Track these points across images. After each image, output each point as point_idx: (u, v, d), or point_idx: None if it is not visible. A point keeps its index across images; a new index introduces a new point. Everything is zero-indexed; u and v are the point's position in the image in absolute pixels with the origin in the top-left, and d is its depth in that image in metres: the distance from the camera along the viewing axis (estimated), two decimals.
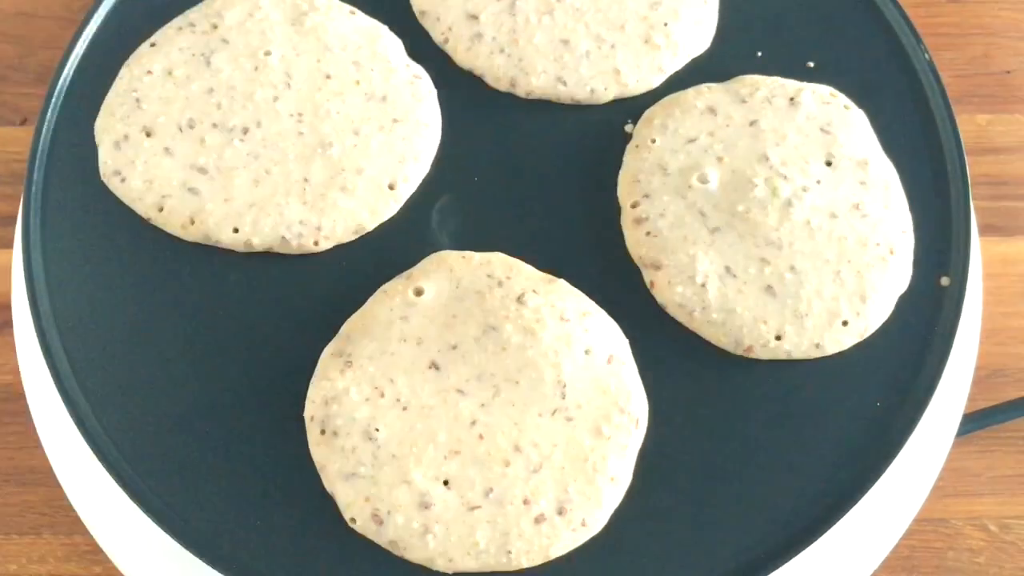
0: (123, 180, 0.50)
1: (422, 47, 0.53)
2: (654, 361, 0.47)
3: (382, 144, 0.50)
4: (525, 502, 0.44)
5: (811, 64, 0.54)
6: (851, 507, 0.45)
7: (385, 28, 0.54)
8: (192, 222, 0.49)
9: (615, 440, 0.45)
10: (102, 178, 0.50)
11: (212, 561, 0.44)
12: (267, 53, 0.52)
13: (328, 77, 0.52)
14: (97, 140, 0.51)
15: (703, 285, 0.48)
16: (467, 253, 0.48)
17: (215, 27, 0.52)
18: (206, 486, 0.45)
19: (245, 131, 0.50)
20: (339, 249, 0.49)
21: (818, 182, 0.49)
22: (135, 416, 0.46)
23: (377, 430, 0.45)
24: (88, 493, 0.50)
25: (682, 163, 0.50)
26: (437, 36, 0.54)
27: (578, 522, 0.44)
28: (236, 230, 0.49)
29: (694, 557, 0.45)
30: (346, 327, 0.47)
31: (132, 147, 0.50)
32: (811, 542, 0.45)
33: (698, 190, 0.49)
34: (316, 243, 0.49)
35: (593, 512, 0.44)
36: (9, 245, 0.58)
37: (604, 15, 0.53)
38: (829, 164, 0.50)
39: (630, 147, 0.51)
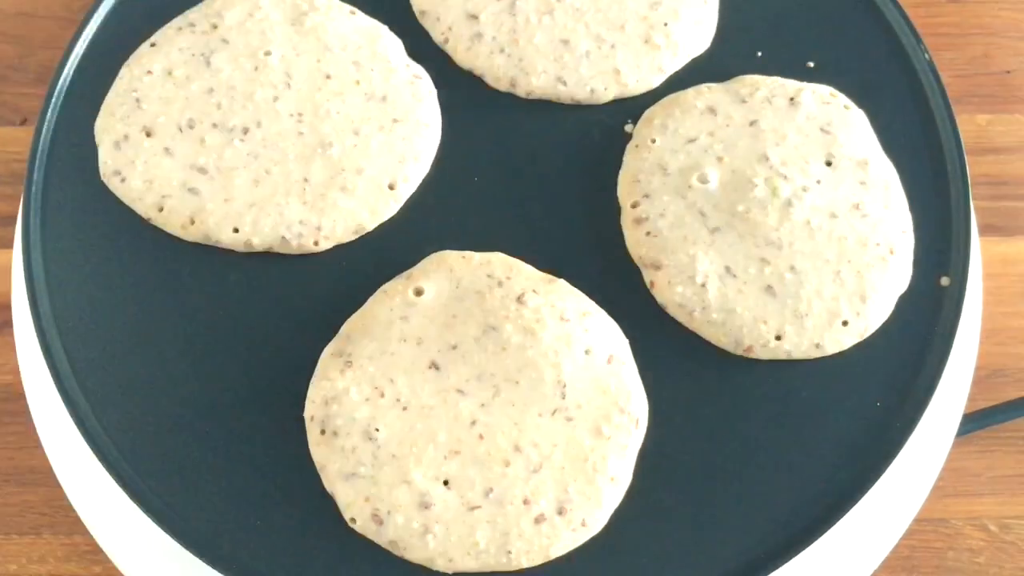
0: (123, 180, 0.50)
1: (422, 47, 0.53)
2: (654, 361, 0.47)
3: (382, 144, 0.50)
4: (525, 502, 0.44)
5: (811, 64, 0.54)
6: (851, 507, 0.45)
7: (385, 28, 0.54)
8: (192, 222, 0.49)
9: (615, 440, 0.45)
10: (102, 178, 0.50)
11: (212, 561, 0.44)
12: (267, 53, 0.52)
13: (328, 77, 0.52)
14: (97, 140, 0.51)
15: (703, 285, 0.48)
16: (467, 253, 0.48)
17: (215, 27, 0.52)
18: (206, 486, 0.45)
19: (245, 131, 0.50)
20: (339, 249, 0.49)
21: (818, 182, 0.49)
22: (135, 416, 0.46)
23: (377, 430, 0.45)
24: (88, 493, 0.50)
25: (682, 163, 0.50)
26: (437, 36, 0.54)
27: (578, 522, 0.44)
28: (236, 230, 0.49)
29: (694, 557, 0.45)
30: (346, 327, 0.47)
31: (132, 147, 0.50)
32: (811, 542, 0.45)
33: (698, 190, 0.49)
34: (316, 243, 0.49)
35: (593, 512, 0.44)
36: (9, 245, 0.58)
37: (604, 15, 0.53)
38: (829, 164, 0.50)
39: (630, 147, 0.51)
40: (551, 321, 0.46)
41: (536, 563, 0.44)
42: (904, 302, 0.48)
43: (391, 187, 0.50)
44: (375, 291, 0.48)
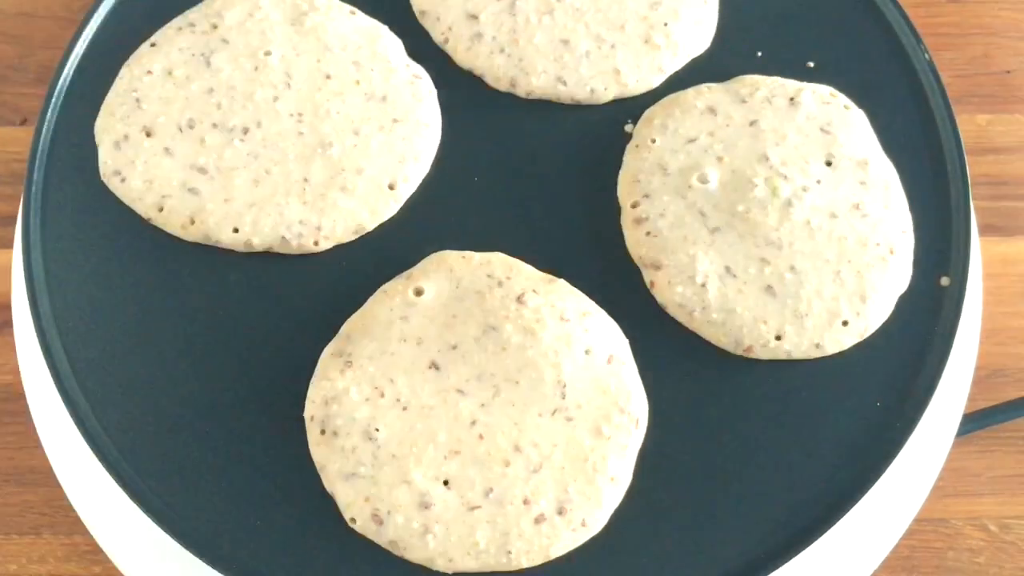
0: (123, 180, 0.50)
1: (422, 47, 0.53)
2: (654, 361, 0.47)
3: (382, 144, 0.50)
4: (525, 502, 0.44)
5: (811, 64, 0.54)
6: (851, 507, 0.45)
7: (385, 28, 0.54)
8: (192, 222, 0.49)
9: (615, 440, 0.45)
10: (102, 178, 0.50)
11: (212, 561, 0.44)
12: (267, 53, 0.52)
13: (328, 77, 0.52)
14: (97, 140, 0.51)
15: (703, 285, 0.48)
16: (467, 253, 0.48)
17: (215, 27, 0.52)
18: (206, 486, 0.45)
19: (245, 131, 0.50)
20: (339, 249, 0.49)
21: (818, 182, 0.49)
22: (135, 416, 0.46)
23: (377, 430, 0.45)
24: (88, 493, 0.50)
25: (682, 163, 0.50)
26: (437, 36, 0.54)
27: (578, 522, 0.44)
28: (236, 230, 0.49)
29: (694, 557, 0.45)
30: (346, 327, 0.47)
31: (132, 147, 0.50)
32: (811, 542, 0.45)
33: (698, 190, 0.49)
34: (316, 243, 0.49)
35: (593, 512, 0.44)
36: (9, 245, 0.58)
37: (604, 15, 0.53)
38: (829, 164, 0.50)
39: (630, 147, 0.51)
40: (551, 321, 0.46)
41: (536, 563, 0.44)
42: (904, 302, 0.48)
43: (391, 187, 0.50)
44: (375, 291, 0.48)
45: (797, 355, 0.47)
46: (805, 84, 0.52)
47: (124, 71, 0.52)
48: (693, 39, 0.53)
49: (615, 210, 0.50)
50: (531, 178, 0.51)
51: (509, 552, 0.43)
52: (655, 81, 0.53)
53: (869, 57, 0.54)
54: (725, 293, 0.48)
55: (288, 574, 0.44)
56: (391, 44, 0.53)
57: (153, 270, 0.49)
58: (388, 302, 0.47)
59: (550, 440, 0.45)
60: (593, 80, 0.52)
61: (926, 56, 0.54)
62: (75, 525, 0.53)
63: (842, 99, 0.52)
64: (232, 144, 0.50)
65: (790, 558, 0.45)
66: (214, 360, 0.47)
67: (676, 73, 0.53)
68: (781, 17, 0.55)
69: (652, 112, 0.52)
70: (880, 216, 0.49)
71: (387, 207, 0.50)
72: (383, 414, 0.45)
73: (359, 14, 0.54)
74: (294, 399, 0.46)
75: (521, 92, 0.52)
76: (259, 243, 0.49)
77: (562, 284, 0.48)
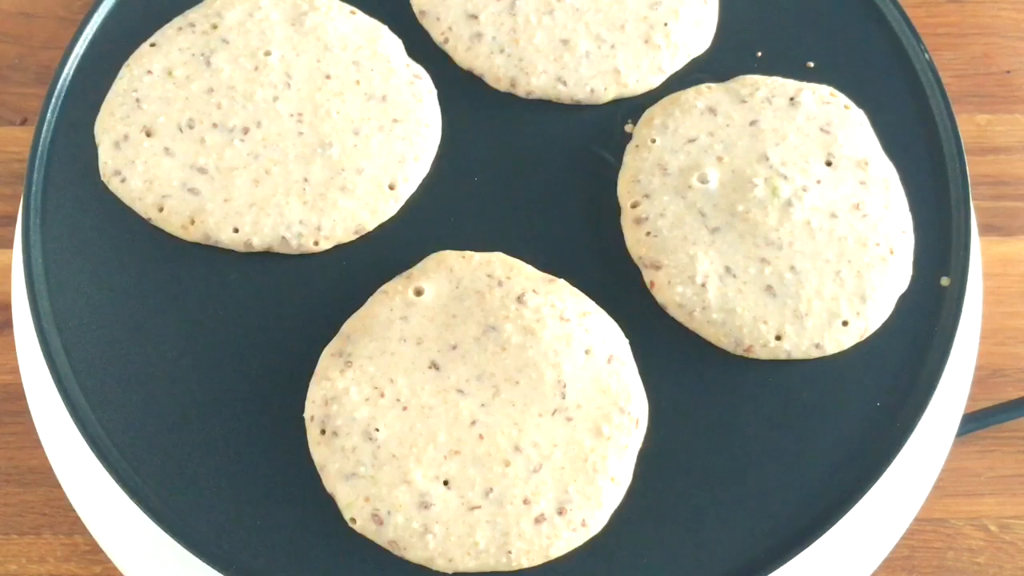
0: (123, 180, 0.50)
1: (422, 47, 0.53)
2: (654, 361, 0.47)
3: (382, 144, 0.50)
4: (525, 502, 0.44)
5: (811, 64, 0.54)
6: (851, 507, 0.45)
7: (385, 28, 0.54)
8: (192, 222, 0.49)
9: (615, 440, 0.45)
10: (102, 178, 0.50)
11: (212, 561, 0.44)
12: (267, 53, 0.52)
13: (328, 77, 0.52)
14: (97, 140, 0.51)
15: (703, 285, 0.48)
16: (467, 253, 0.48)
17: (215, 27, 0.52)
18: (206, 486, 0.45)
19: (245, 131, 0.50)
20: (339, 249, 0.49)
21: (818, 182, 0.49)
22: (135, 416, 0.46)
23: (377, 430, 0.45)
24: (88, 493, 0.50)
25: (682, 163, 0.50)
26: (437, 36, 0.54)
27: (578, 522, 0.44)
28: (236, 230, 0.49)
29: (694, 557, 0.45)
30: (346, 327, 0.47)
31: (132, 147, 0.50)
32: (811, 542, 0.45)
33: (698, 190, 0.49)
34: (316, 243, 0.49)
35: (593, 512, 0.44)
36: (9, 245, 0.58)
37: (604, 15, 0.53)
38: (829, 164, 0.50)
39: (630, 147, 0.51)
40: (551, 321, 0.46)
41: (536, 563, 0.44)
42: (904, 302, 0.48)
43: (391, 187, 0.50)
44: (375, 291, 0.48)
45: (797, 355, 0.47)
46: (805, 84, 0.52)
47: (124, 71, 0.52)
48: (693, 39, 0.53)
49: (615, 210, 0.50)
50: (531, 178, 0.51)
51: (509, 552, 0.43)
52: (655, 81, 0.53)
53: (869, 57, 0.54)
54: (725, 293, 0.48)
55: (288, 574, 0.44)
56: (391, 44, 0.53)
57: (153, 270, 0.49)
58: (388, 302, 0.47)
59: (550, 440, 0.45)
60: (593, 80, 0.52)
61: (926, 56, 0.54)
62: (75, 525, 0.53)
63: (842, 99, 0.52)
64: (232, 144, 0.50)
65: (790, 558, 0.45)
66: (214, 360, 0.47)
67: (676, 73, 0.53)
68: (781, 17, 0.55)
69: (652, 112, 0.52)
70: (880, 216, 0.49)
71: (387, 207, 0.50)
72: (383, 414, 0.45)
73: (359, 14, 0.54)
74: (294, 399, 0.46)
75: (521, 92, 0.52)
76: (259, 243, 0.49)
77: (562, 284, 0.48)
